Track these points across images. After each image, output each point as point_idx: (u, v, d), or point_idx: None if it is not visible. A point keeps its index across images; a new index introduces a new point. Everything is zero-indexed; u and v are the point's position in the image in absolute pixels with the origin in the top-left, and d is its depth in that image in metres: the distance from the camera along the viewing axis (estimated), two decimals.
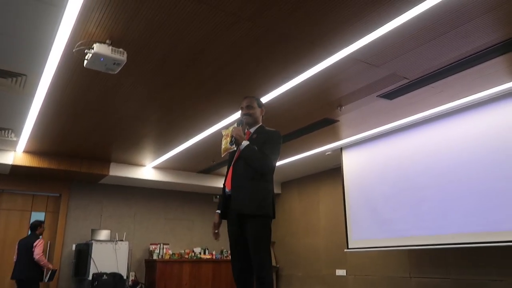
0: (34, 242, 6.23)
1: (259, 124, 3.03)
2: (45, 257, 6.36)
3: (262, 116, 3.08)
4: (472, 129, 4.77)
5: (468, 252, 5.26)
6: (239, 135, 2.83)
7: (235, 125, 2.92)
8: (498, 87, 4.32)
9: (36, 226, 6.50)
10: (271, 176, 2.88)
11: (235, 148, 2.88)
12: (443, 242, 4.91)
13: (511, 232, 4.26)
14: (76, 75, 3.96)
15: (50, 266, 6.21)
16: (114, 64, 3.40)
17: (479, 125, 4.71)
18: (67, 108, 4.79)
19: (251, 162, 2.77)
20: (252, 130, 2.99)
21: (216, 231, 2.96)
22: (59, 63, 3.68)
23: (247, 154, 2.79)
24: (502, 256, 4.95)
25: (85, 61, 3.38)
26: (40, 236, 6.37)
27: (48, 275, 6.21)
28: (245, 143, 2.81)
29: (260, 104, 3.08)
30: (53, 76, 3.95)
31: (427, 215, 5.13)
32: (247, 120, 3.00)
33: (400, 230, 5.44)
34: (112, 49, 3.31)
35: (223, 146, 2.92)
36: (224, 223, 2.93)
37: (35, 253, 6.16)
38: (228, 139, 2.87)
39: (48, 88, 4.22)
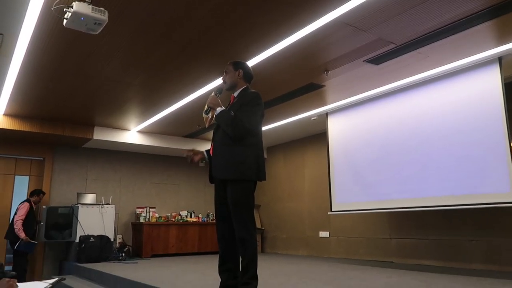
0: (20, 204, 6.22)
1: (243, 87, 2.96)
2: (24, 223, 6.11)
3: (244, 78, 2.96)
4: (456, 95, 4.82)
5: (446, 214, 5.45)
6: (212, 103, 2.85)
7: (213, 93, 2.92)
8: (484, 53, 4.34)
9: (33, 194, 6.50)
10: (254, 139, 2.80)
11: (210, 116, 2.87)
12: (423, 204, 5.07)
13: (487, 195, 4.42)
14: (55, 35, 3.82)
15: (22, 235, 6.00)
16: (95, 23, 3.27)
17: (463, 92, 4.75)
18: (47, 70, 4.66)
19: (225, 128, 2.77)
20: (235, 94, 2.97)
21: (191, 152, 2.98)
22: (37, 22, 3.54)
23: (220, 120, 2.80)
24: (477, 218, 5.15)
25: (65, 20, 3.25)
26: (26, 201, 6.33)
27: (18, 244, 6.02)
28: (218, 109, 2.81)
29: (236, 67, 2.96)
30: (31, 36, 3.81)
31: (408, 179, 5.26)
32: (225, 87, 2.99)
33: (382, 194, 5.58)
34: (92, 8, 3.18)
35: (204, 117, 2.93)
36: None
37: (16, 215, 6.14)
38: (205, 108, 2.87)
39: (27, 49, 4.08)
